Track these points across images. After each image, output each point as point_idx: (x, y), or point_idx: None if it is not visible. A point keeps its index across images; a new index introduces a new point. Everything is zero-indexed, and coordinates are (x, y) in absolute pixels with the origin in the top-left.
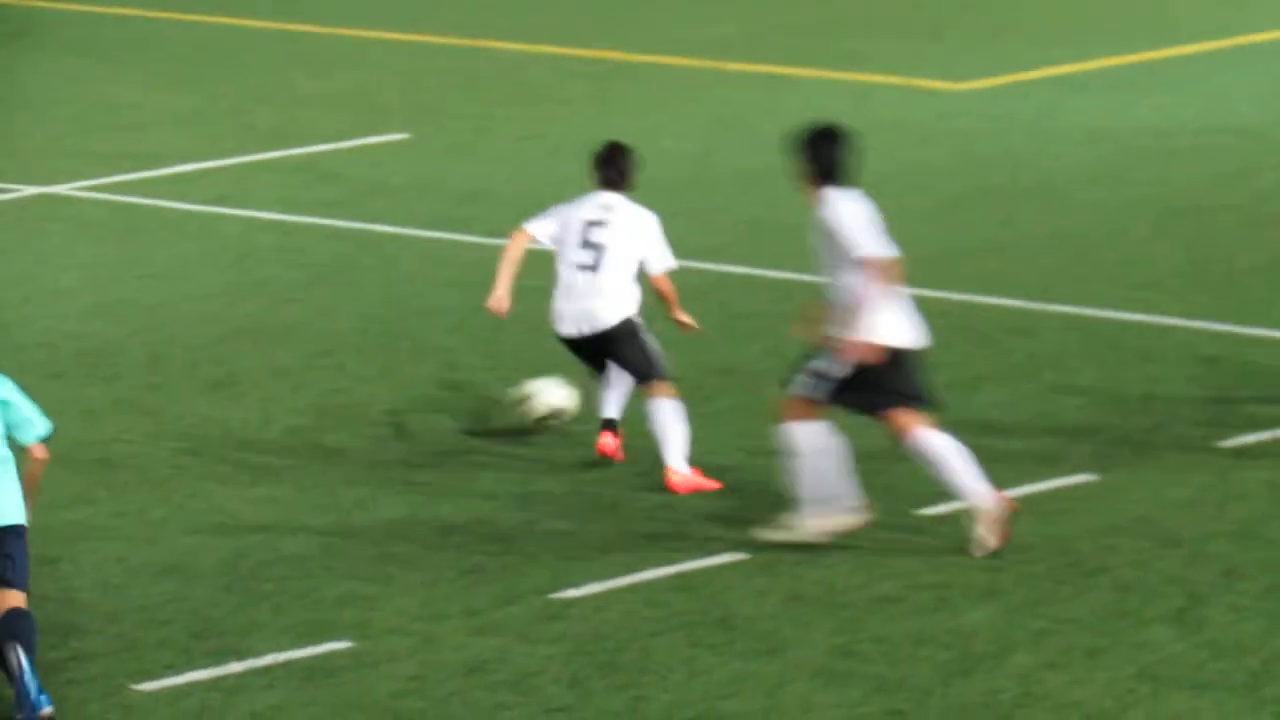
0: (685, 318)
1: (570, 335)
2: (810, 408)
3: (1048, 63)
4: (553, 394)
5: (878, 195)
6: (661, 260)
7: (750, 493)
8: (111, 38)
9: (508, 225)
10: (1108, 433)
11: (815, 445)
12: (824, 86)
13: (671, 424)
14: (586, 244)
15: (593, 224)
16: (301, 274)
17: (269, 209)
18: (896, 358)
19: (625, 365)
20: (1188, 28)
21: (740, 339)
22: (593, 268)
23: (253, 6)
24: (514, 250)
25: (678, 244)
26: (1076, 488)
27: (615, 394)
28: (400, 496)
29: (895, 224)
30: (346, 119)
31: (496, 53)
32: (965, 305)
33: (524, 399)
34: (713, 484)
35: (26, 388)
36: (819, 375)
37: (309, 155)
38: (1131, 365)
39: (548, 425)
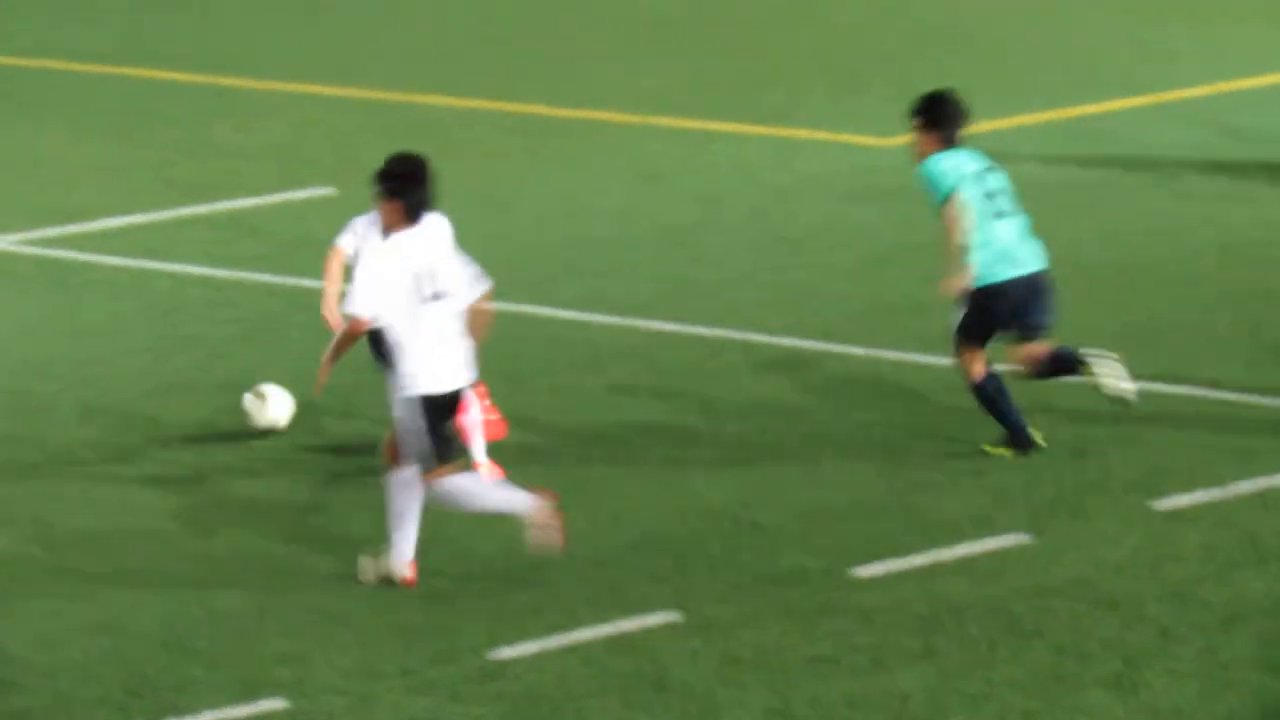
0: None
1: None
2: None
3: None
4: (279, 408)
5: (804, 250)
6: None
7: (684, 551)
8: (35, 90)
9: None
10: (1041, 493)
11: (463, 486)
12: (750, 141)
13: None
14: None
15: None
16: (233, 329)
17: (198, 263)
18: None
19: None
20: (1108, 83)
21: (667, 395)
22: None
23: (176, 59)
24: (334, 268)
25: (603, 300)
26: (1010, 549)
27: None
28: (334, 552)
29: (823, 279)
30: (272, 173)
31: (423, 107)
32: (893, 363)
33: (257, 400)
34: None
35: None
36: (416, 437)
37: (236, 210)
38: (1063, 424)
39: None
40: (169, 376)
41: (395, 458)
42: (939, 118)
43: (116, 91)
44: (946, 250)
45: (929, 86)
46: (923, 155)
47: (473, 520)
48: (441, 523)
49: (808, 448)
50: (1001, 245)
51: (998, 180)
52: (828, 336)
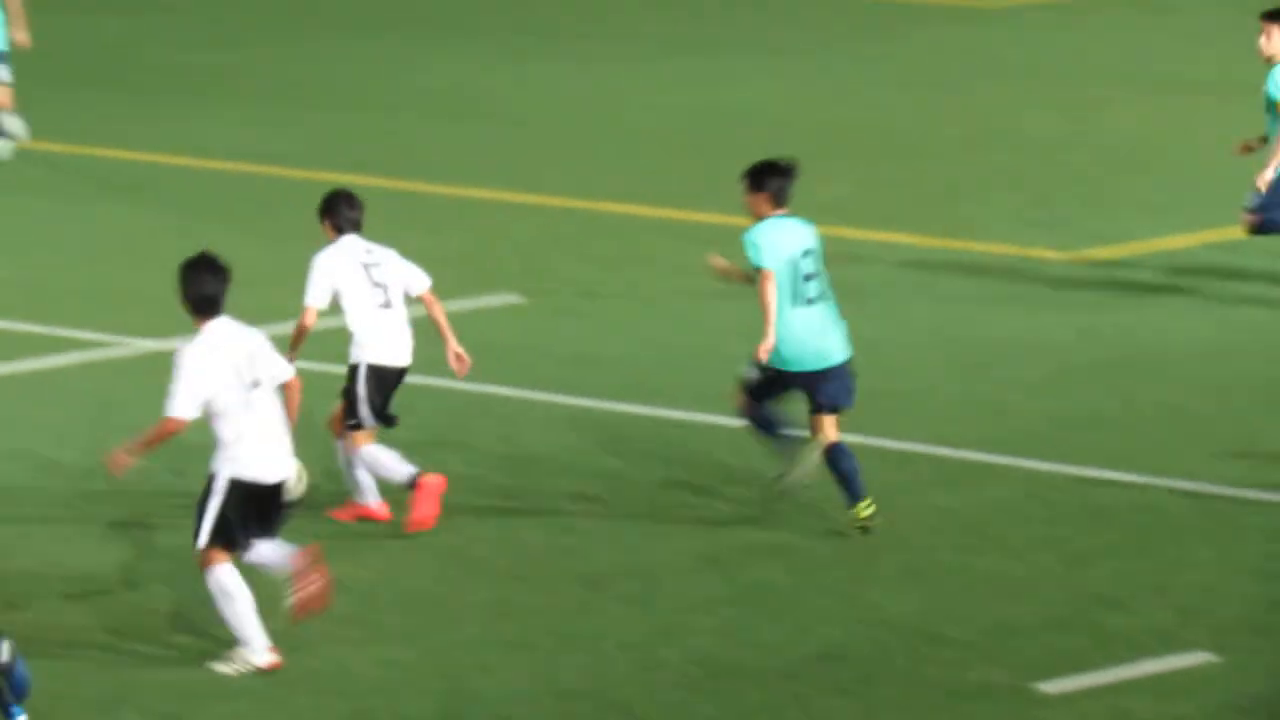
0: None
1: (404, 365)
2: (223, 552)
3: (1161, 233)
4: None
5: (991, 364)
6: (423, 278)
7: (870, 664)
8: (228, 194)
9: (618, 388)
10: (1226, 610)
11: (233, 588)
12: (938, 254)
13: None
14: (375, 285)
15: (369, 266)
16: (417, 434)
17: None
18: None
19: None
20: None
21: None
22: (388, 305)
23: (364, 164)
24: (308, 328)
25: (791, 411)
26: (1196, 667)
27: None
28: (521, 660)
29: (1008, 394)
30: (457, 279)
31: (608, 215)
32: (1079, 479)
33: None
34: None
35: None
36: (204, 517)
37: (421, 317)
38: (1251, 542)
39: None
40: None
41: (209, 558)
42: (764, 181)
43: (306, 195)
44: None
45: (1119, 204)
46: (756, 216)
47: (655, 630)
48: (623, 626)
49: (992, 561)
50: (801, 334)
51: (812, 264)
52: (1013, 450)
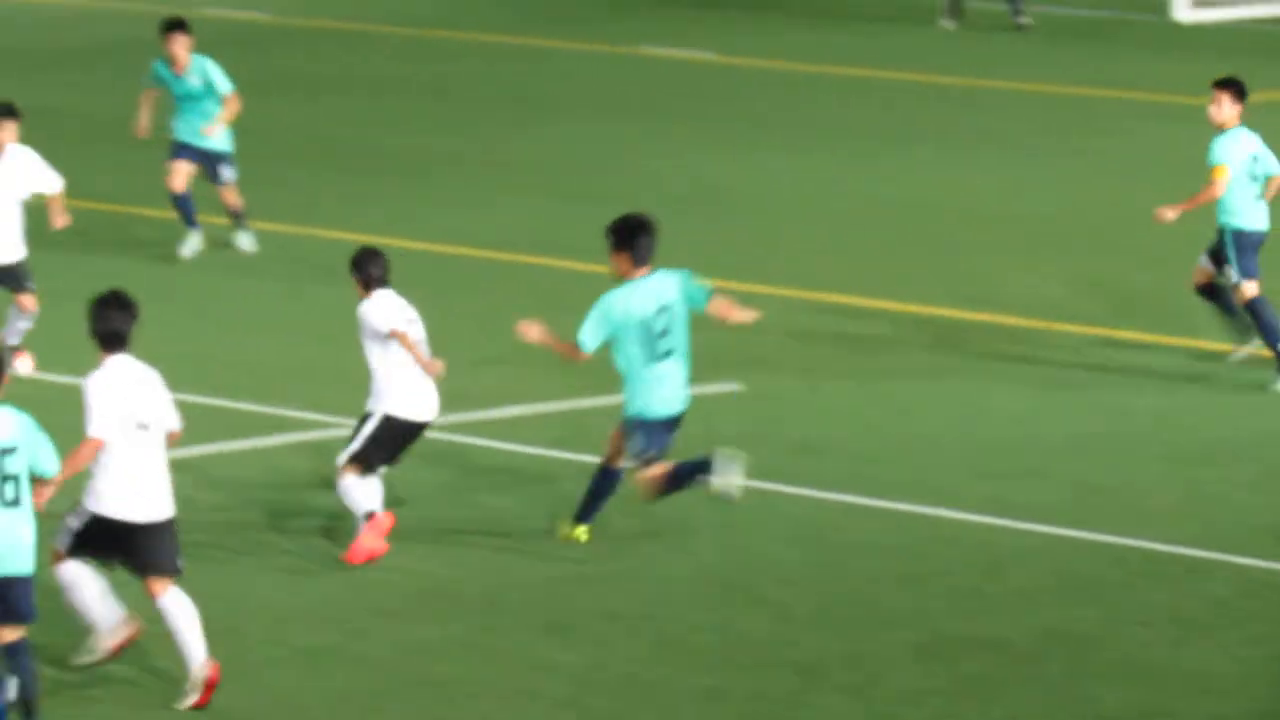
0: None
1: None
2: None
3: None
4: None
5: (1211, 461)
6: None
7: None
8: (441, 275)
9: (841, 478)
10: None
11: (75, 580)
12: (1158, 350)
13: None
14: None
15: (410, 321)
16: (635, 521)
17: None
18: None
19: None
20: None
21: (1068, 601)
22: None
23: (580, 251)
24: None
25: (1007, 504)
26: None
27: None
28: None
29: (1228, 490)
30: None
31: (832, 305)
32: None
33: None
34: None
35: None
36: (66, 527)
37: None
38: None
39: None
40: (572, 567)
41: (57, 555)
42: (624, 240)
43: (524, 280)
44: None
45: None
46: (619, 275)
47: None
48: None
49: (1203, 658)
50: (655, 385)
51: (665, 321)
52: (1230, 548)
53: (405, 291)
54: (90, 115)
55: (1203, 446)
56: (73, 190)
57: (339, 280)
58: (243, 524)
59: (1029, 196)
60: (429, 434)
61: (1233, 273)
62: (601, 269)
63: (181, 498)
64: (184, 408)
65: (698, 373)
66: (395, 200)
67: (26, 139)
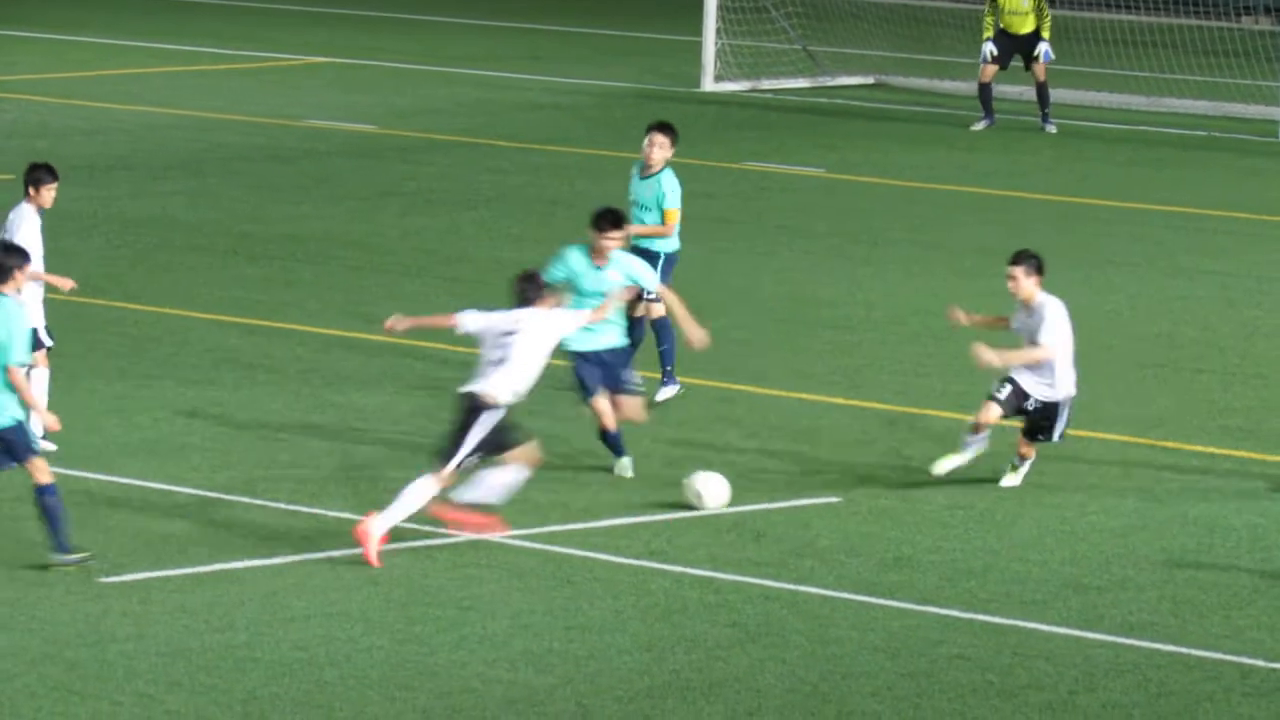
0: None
1: None
2: None
3: None
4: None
5: None
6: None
7: None
8: None
9: (936, 591)
10: None
11: None
12: (1254, 465)
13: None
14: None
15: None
16: (726, 630)
17: (699, 566)
18: None
19: None
20: None
21: (1161, 715)
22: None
23: (689, 366)
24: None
25: (1102, 618)
26: None
27: None
28: None
29: None
30: (779, 478)
31: (930, 419)
32: None
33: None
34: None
35: None
36: None
37: (740, 514)
38: None
39: None
40: (666, 677)
41: None
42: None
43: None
44: None
45: None
46: None
47: None
48: None
49: None
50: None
51: None
52: None
53: None
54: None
55: None
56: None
57: None
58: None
59: (1138, 314)
60: (522, 543)
61: None
62: (713, 383)
63: None
64: None
65: (796, 485)
66: None
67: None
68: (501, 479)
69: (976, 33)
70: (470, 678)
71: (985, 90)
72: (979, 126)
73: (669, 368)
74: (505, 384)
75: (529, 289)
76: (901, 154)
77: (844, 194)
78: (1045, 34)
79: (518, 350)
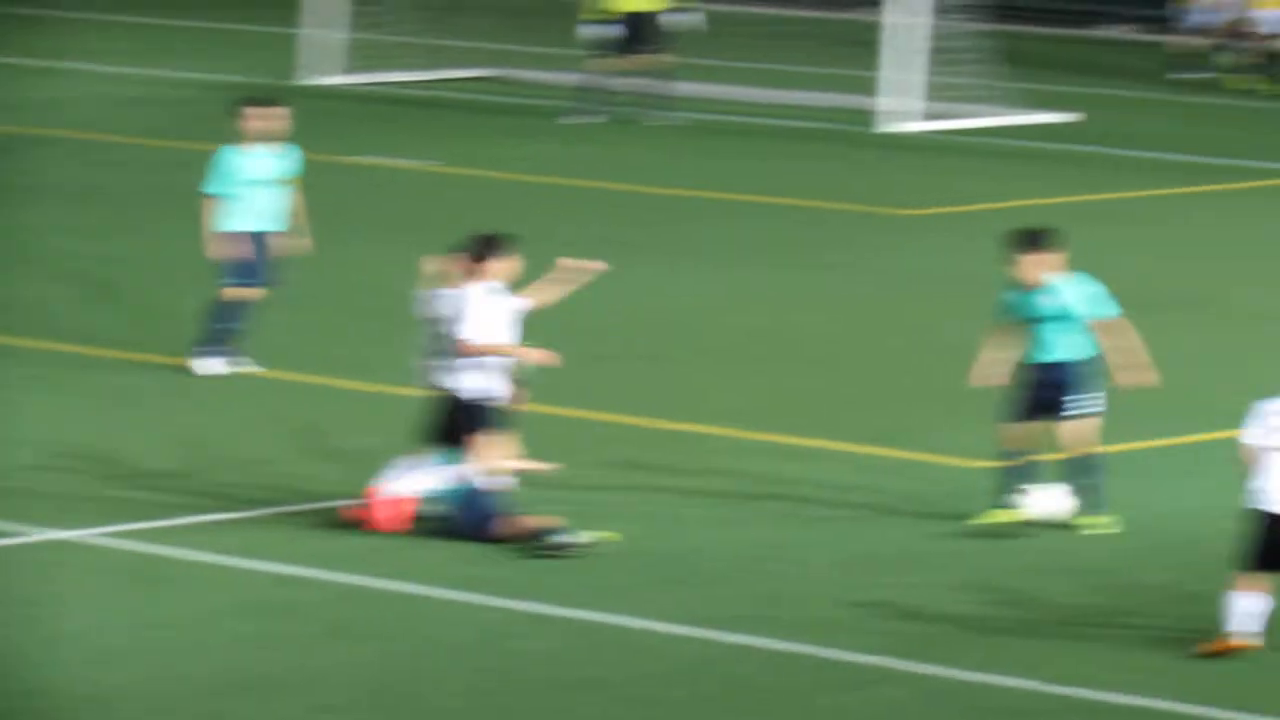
0: None
1: None
2: None
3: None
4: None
5: (894, 570)
6: None
7: None
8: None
9: (522, 585)
10: None
11: None
12: (837, 458)
13: None
14: None
15: None
16: (313, 628)
17: (286, 562)
18: None
19: None
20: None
21: (747, 710)
22: None
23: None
24: None
25: (691, 612)
26: None
27: None
28: None
29: (908, 598)
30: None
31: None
32: (978, 686)
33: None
34: None
35: None
36: None
37: (325, 510)
38: None
39: None
40: (247, 675)
41: None
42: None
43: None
44: None
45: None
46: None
47: None
48: None
49: None
50: None
51: None
52: (910, 655)
53: None
54: None
55: (886, 556)
56: None
57: None
58: None
59: (734, 309)
60: (105, 541)
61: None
62: None
63: None
64: None
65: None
66: None
67: None
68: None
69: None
70: (41, 678)
71: (598, 82)
72: (578, 121)
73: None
74: None
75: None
76: (517, 147)
77: (462, 188)
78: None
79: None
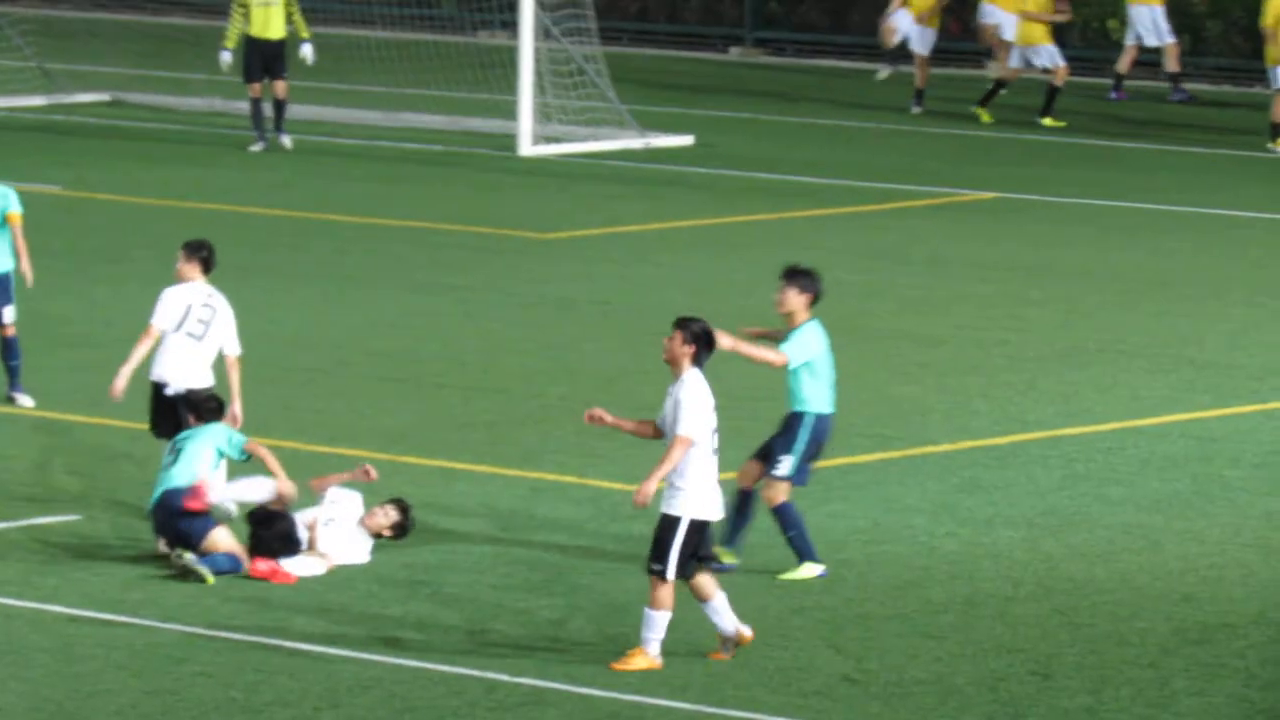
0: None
1: None
2: None
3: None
4: None
5: (552, 591)
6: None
7: None
8: None
9: (180, 610)
10: None
11: None
12: (495, 481)
13: None
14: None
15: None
16: None
17: None
18: None
19: None
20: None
21: None
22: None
23: None
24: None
25: (345, 636)
26: None
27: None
28: None
29: (564, 619)
30: (19, 498)
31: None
32: (634, 706)
33: None
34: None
35: None
36: None
37: None
38: None
39: None
40: None
41: None
42: None
43: None
44: None
45: None
46: None
47: None
48: None
49: None
50: None
51: None
52: (569, 679)
53: None
54: None
55: (542, 578)
56: None
57: None
58: None
59: (376, 329)
60: None
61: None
62: None
63: None
64: None
65: (40, 504)
66: None
67: None
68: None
69: (212, 48)
70: None
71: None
72: (257, 148)
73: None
74: None
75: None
76: (140, 171)
77: (82, 212)
78: (304, 34)
79: None
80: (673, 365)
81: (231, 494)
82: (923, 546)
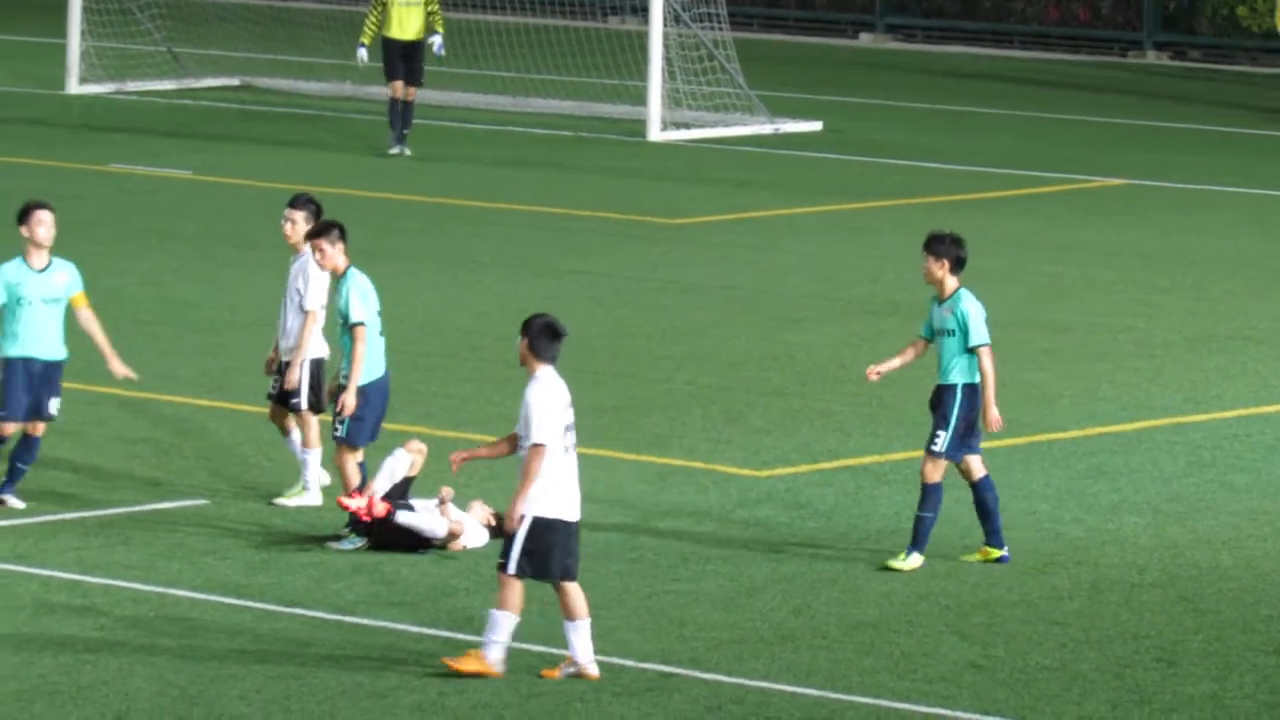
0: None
1: None
2: None
3: (849, 453)
4: None
5: (676, 576)
6: None
7: None
8: None
9: (304, 594)
10: None
11: None
12: (623, 465)
13: None
14: None
15: None
16: (99, 635)
17: (67, 569)
18: None
19: None
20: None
21: (535, 717)
22: None
23: None
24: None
25: (470, 619)
26: None
27: None
28: None
29: (691, 605)
30: (145, 483)
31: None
32: (760, 692)
33: None
34: None
35: None
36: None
37: (107, 517)
38: None
39: None
40: (33, 681)
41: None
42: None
43: None
44: None
45: (806, 421)
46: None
47: None
48: None
49: None
50: None
51: None
52: (695, 664)
53: None
54: None
55: (667, 562)
56: None
57: None
58: None
59: (505, 314)
60: None
61: None
62: None
63: None
64: None
65: (165, 489)
66: None
67: None
68: None
69: (341, 33)
70: None
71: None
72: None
73: None
74: None
75: None
76: (268, 155)
77: (211, 196)
78: (439, 29)
79: None
80: (525, 367)
81: (409, 520)
82: (1048, 533)
